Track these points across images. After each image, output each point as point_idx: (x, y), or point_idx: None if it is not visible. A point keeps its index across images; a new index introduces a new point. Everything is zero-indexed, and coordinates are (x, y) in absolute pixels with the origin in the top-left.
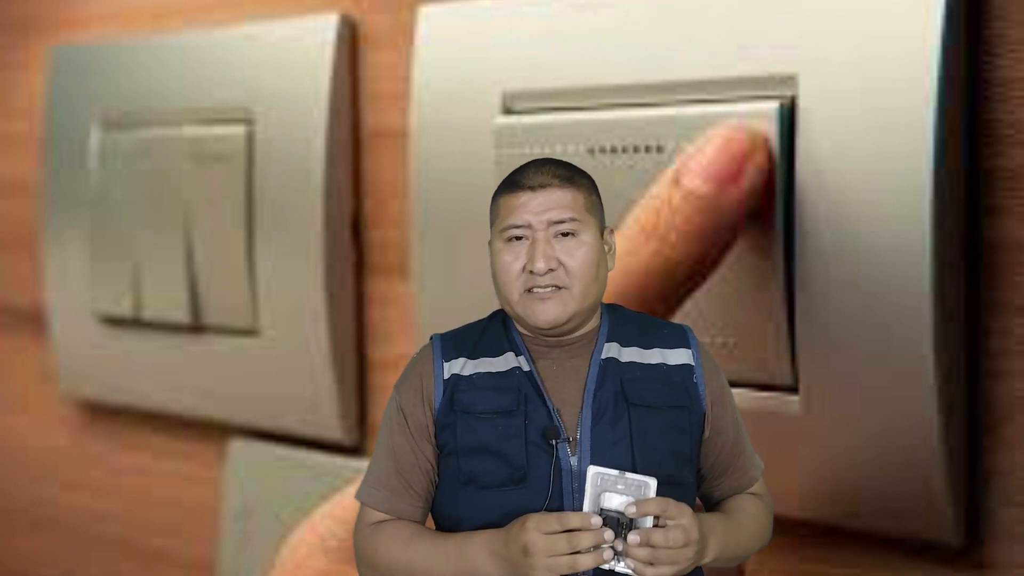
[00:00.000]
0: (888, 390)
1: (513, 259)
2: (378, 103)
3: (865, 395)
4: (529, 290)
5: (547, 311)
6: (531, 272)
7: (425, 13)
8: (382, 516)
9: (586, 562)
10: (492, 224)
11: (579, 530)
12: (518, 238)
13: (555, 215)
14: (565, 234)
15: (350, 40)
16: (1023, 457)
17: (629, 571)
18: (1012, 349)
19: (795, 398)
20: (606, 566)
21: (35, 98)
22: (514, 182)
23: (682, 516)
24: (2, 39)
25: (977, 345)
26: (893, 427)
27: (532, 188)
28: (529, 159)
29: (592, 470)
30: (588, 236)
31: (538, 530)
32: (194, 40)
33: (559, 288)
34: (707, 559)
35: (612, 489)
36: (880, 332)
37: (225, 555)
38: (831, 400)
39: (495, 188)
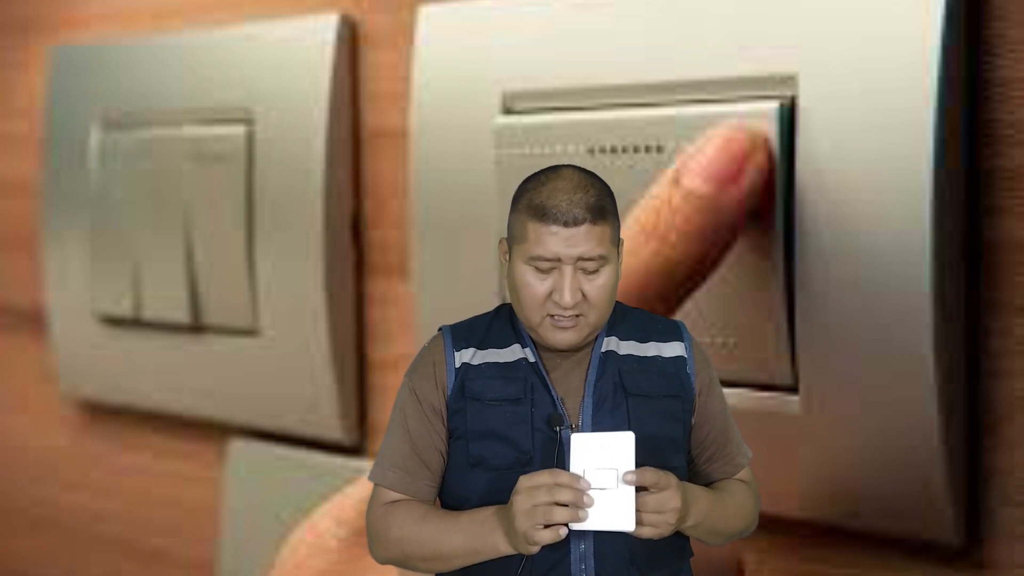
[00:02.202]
0: (888, 390)
1: (538, 283)
2: (378, 103)
3: (865, 395)
4: (551, 315)
5: (567, 338)
6: (556, 302)
7: (425, 13)
8: (396, 496)
9: (561, 515)
10: (514, 238)
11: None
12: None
13: (585, 252)
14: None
15: (350, 40)
16: (1023, 457)
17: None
18: (1012, 349)
19: (795, 398)
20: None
21: (35, 98)
22: (546, 212)
23: (669, 486)
24: (2, 39)
25: (977, 345)
26: (893, 427)
27: (566, 224)
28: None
29: (575, 438)
30: (610, 267)
31: (527, 480)
32: (194, 40)
33: (578, 316)
34: (688, 524)
35: (595, 451)
36: (880, 332)
37: (225, 555)
38: (831, 400)
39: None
